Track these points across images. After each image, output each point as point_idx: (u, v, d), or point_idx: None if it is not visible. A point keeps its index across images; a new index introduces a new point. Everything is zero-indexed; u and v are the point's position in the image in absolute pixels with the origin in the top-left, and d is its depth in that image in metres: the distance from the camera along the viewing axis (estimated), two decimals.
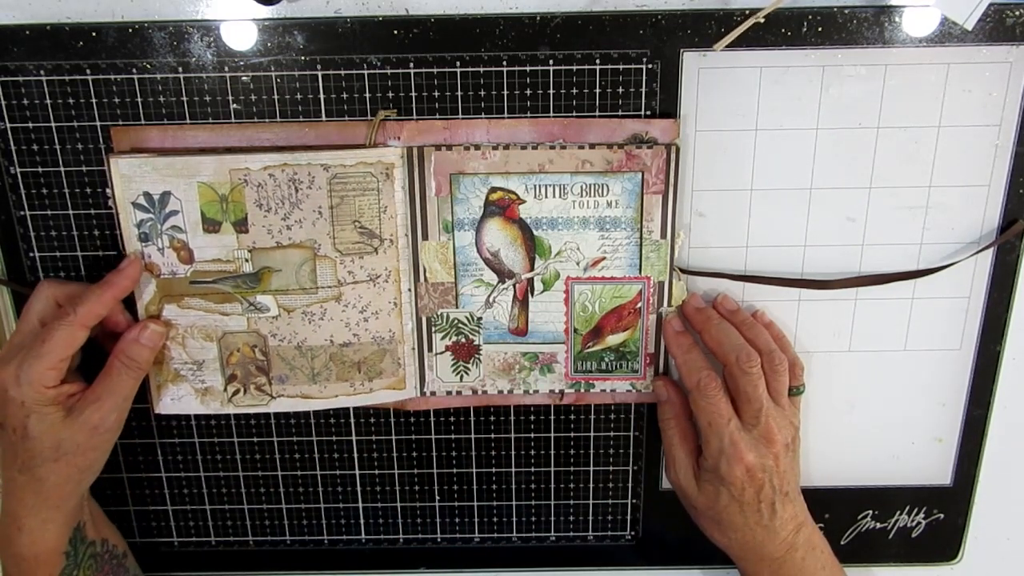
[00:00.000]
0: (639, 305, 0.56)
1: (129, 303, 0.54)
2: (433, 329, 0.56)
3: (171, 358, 0.56)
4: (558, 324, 0.56)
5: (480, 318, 0.56)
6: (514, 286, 0.55)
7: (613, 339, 0.56)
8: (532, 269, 0.55)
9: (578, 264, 0.55)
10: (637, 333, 0.56)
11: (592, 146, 0.52)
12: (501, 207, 0.54)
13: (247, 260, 0.54)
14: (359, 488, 0.62)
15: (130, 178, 0.52)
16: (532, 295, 0.56)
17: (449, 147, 0.52)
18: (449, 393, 0.58)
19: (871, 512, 0.63)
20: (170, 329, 0.55)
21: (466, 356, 0.57)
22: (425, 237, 0.54)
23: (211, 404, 0.57)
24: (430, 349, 0.57)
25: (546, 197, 0.53)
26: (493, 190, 0.53)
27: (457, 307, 0.56)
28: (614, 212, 0.53)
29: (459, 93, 0.52)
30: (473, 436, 0.60)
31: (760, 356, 0.53)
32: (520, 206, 0.54)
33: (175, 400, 0.57)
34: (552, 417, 0.60)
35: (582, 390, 0.58)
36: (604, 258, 0.54)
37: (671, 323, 0.56)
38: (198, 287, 0.54)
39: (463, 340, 0.57)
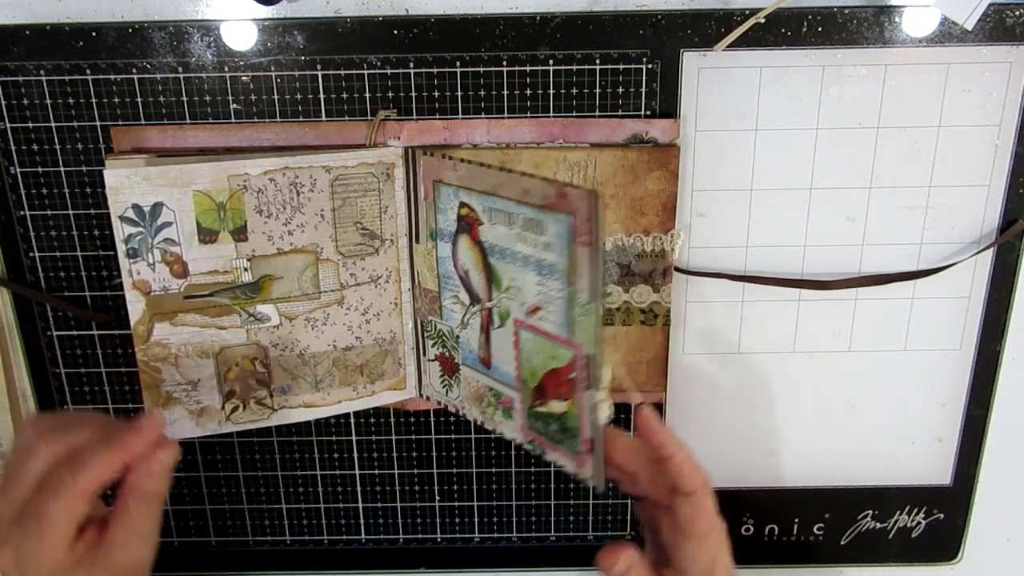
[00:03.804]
0: (572, 375, 0.46)
1: (120, 321, 0.53)
2: (425, 334, 0.56)
3: (163, 380, 0.54)
4: (511, 367, 0.50)
5: (458, 336, 0.53)
6: (479, 312, 0.51)
7: (556, 406, 0.48)
8: (490, 298, 0.50)
9: (521, 306, 0.48)
10: (575, 409, 0.47)
11: (534, 177, 0.45)
12: (468, 224, 0.49)
13: (246, 269, 0.53)
14: (359, 488, 0.62)
15: (118, 190, 0.49)
16: (492, 327, 0.50)
17: (431, 152, 0.51)
18: (440, 403, 0.58)
19: (871, 512, 0.63)
20: (171, 452, 0.44)
21: (450, 371, 0.55)
22: (417, 240, 0.54)
23: (207, 425, 0.55)
24: (424, 353, 0.57)
25: (497, 223, 0.47)
26: (462, 205, 0.49)
27: (441, 318, 0.54)
28: (550, 257, 0.45)
29: (459, 93, 0.52)
30: (473, 436, 0.60)
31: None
32: (480, 227, 0.48)
33: (167, 425, 0.54)
34: None
35: (537, 452, 0.51)
36: (540, 308, 0.46)
37: (651, 416, 0.45)
38: (193, 302, 0.53)
39: (447, 354, 0.55)
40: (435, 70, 0.52)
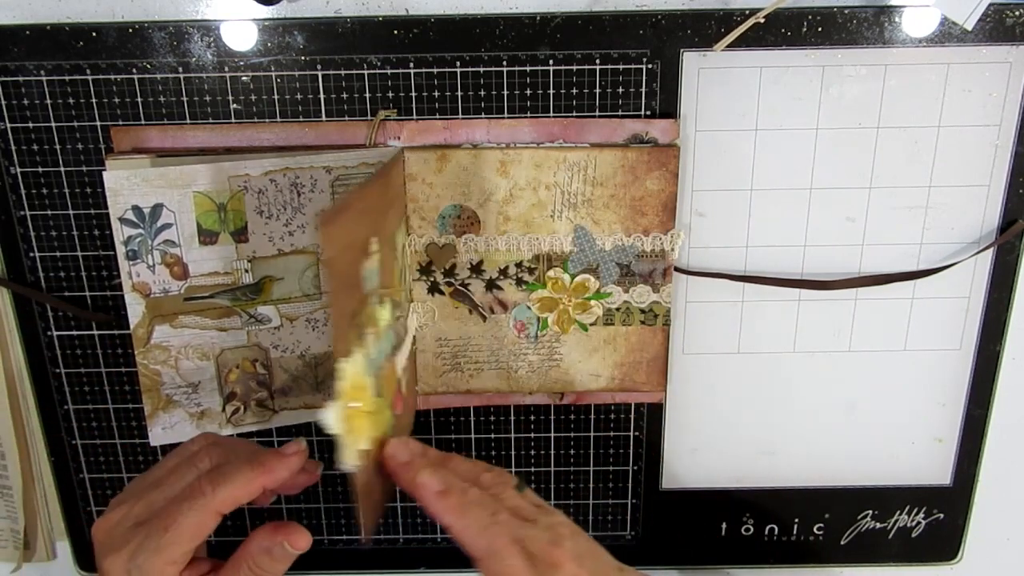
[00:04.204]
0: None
1: (120, 321, 0.53)
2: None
3: (163, 383, 0.54)
4: None
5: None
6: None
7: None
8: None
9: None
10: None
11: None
12: None
13: (247, 270, 0.53)
14: None
15: (117, 192, 0.50)
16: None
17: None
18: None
19: (871, 512, 0.63)
20: (302, 542, 0.43)
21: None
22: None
23: (208, 428, 0.55)
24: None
25: None
26: None
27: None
28: None
29: (459, 93, 0.52)
30: (473, 436, 0.60)
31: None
32: None
33: (167, 429, 0.55)
34: (552, 417, 0.60)
35: None
36: None
37: (427, 486, 0.43)
38: (193, 304, 0.53)
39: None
40: (435, 70, 0.52)
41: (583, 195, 0.54)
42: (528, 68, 0.52)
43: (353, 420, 0.41)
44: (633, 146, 0.53)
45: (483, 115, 0.53)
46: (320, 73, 0.52)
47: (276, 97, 0.52)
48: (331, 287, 0.38)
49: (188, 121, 0.53)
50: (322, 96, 0.52)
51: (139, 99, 0.52)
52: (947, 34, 0.51)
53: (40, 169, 0.53)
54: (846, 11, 0.51)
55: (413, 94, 0.52)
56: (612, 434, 0.60)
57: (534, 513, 0.43)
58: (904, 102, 0.53)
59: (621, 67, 0.52)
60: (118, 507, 0.42)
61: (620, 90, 0.52)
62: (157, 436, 0.55)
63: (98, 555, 0.41)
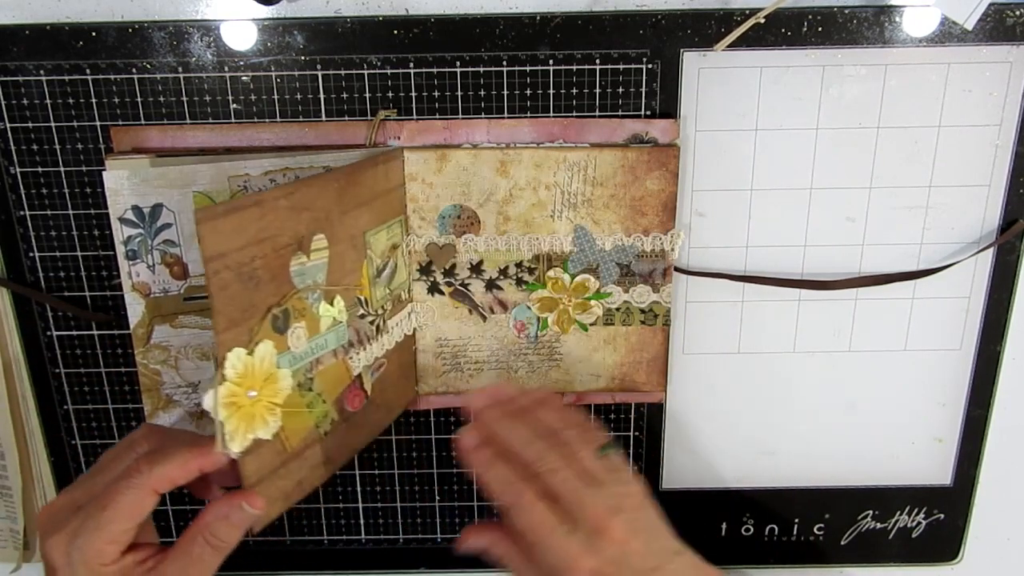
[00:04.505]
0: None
1: (120, 321, 0.53)
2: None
3: (163, 383, 0.54)
4: None
5: None
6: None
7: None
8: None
9: None
10: None
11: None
12: None
13: None
14: (359, 488, 0.62)
15: (117, 192, 0.49)
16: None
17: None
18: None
19: (871, 512, 0.63)
20: (259, 508, 0.43)
21: None
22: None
23: (208, 428, 0.54)
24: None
25: None
26: None
27: None
28: None
29: (459, 93, 0.52)
30: None
31: (550, 440, 0.45)
32: None
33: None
34: None
35: None
36: None
37: (462, 441, 0.46)
38: (193, 304, 0.52)
39: None
40: (435, 70, 0.52)
41: (583, 195, 0.54)
42: (528, 68, 0.52)
43: (242, 408, 0.42)
44: (633, 146, 0.53)
45: (483, 115, 0.53)
46: (320, 73, 0.52)
47: (276, 97, 0.52)
48: (215, 282, 0.39)
49: (188, 121, 0.53)
50: (322, 96, 0.52)
51: (139, 99, 0.52)
52: (947, 34, 0.51)
53: (40, 169, 0.53)
54: (846, 11, 0.51)
55: (413, 94, 0.52)
56: (612, 434, 0.60)
57: (604, 478, 0.43)
58: (904, 102, 0.53)
59: (621, 67, 0.52)
60: (62, 495, 0.43)
61: (620, 90, 0.52)
62: None
63: (40, 539, 0.42)
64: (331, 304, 0.47)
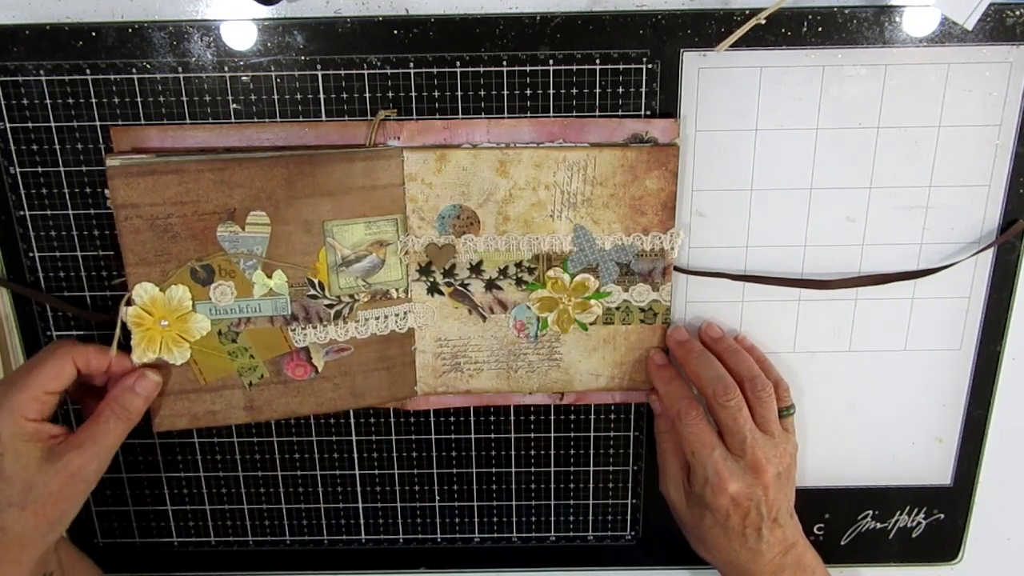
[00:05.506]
0: None
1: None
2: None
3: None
4: None
5: None
6: None
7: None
8: None
9: None
10: None
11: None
12: None
13: None
14: (359, 488, 0.62)
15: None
16: None
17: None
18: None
19: (871, 512, 0.63)
20: (159, 377, 0.52)
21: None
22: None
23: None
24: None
25: None
26: None
27: None
28: None
29: (459, 93, 0.52)
30: (473, 436, 0.60)
31: (743, 384, 0.53)
32: None
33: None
34: (552, 417, 0.60)
35: None
36: None
37: (653, 357, 0.57)
38: None
39: None
40: (435, 70, 0.52)
41: (583, 195, 0.54)
42: (528, 68, 0.52)
43: (150, 330, 0.52)
44: (633, 146, 0.53)
45: (483, 115, 0.53)
46: (320, 73, 0.52)
47: (276, 97, 0.52)
48: (127, 226, 0.50)
49: (188, 121, 0.53)
50: (322, 96, 0.52)
51: (139, 99, 0.52)
52: (947, 34, 0.51)
53: (40, 169, 0.53)
54: (846, 11, 0.51)
55: (413, 94, 0.52)
56: (612, 434, 0.60)
57: (776, 432, 0.53)
58: (904, 102, 0.53)
59: (621, 67, 0.52)
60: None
61: (620, 90, 0.52)
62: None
63: None
64: (268, 276, 0.52)
